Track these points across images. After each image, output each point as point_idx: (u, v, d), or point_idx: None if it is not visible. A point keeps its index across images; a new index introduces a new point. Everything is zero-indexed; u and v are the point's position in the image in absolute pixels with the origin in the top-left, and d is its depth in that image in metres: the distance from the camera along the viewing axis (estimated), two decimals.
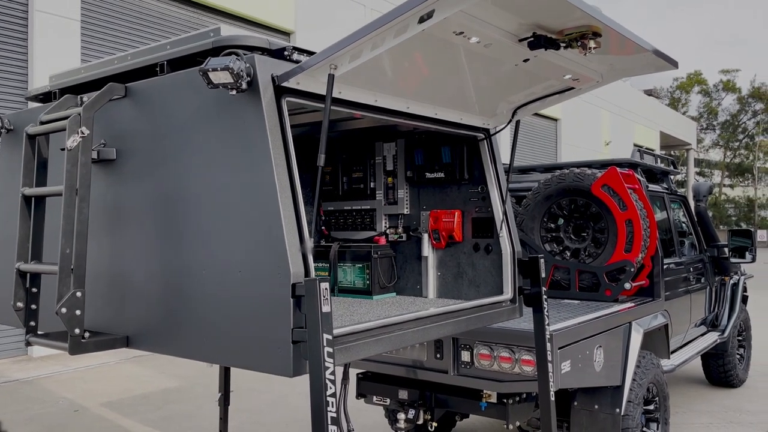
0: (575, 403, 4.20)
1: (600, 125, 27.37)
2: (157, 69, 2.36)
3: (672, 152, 42.94)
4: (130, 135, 2.44)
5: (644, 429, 4.58)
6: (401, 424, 4.13)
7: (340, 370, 4.08)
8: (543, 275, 3.07)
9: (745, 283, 7.22)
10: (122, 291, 2.46)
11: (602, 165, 5.38)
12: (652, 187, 5.76)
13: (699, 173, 46.76)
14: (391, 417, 5.01)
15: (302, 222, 2.01)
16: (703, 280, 6.37)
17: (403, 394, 4.33)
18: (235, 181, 2.09)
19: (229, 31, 2.26)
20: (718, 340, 6.50)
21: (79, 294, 2.23)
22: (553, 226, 5.12)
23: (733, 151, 47.13)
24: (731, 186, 47.20)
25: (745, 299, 7.35)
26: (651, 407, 4.65)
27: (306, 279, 1.93)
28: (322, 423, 1.85)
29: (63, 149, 2.28)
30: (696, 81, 47.52)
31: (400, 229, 3.46)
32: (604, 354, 3.97)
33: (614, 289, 4.69)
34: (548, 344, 3.06)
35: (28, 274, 2.46)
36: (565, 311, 4.30)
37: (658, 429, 4.68)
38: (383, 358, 4.23)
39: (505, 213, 3.08)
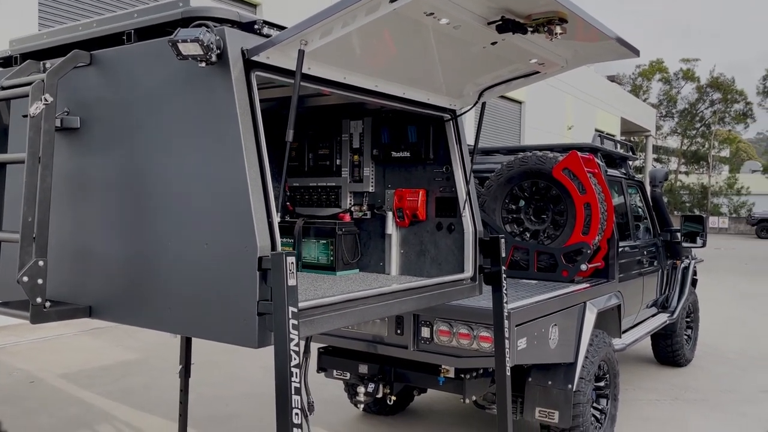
0: (530, 379, 4.34)
1: (563, 109, 27.75)
2: (124, 38, 2.33)
3: (632, 138, 43.82)
4: (95, 104, 2.41)
5: (595, 404, 4.77)
6: (361, 398, 4.21)
7: (302, 344, 4.13)
8: (503, 255, 3.16)
9: (695, 267, 7.50)
10: (86, 261, 2.45)
11: (564, 149, 5.49)
12: (611, 171, 5.91)
13: (657, 160, 47.92)
14: (351, 391, 5.10)
15: (269, 196, 2.03)
16: (655, 263, 6.60)
17: (363, 369, 4.41)
18: (203, 153, 2.09)
19: (198, 1, 2.24)
20: (668, 321, 6.76)
21: (41, 263, 2.21)
22: (514, 207, 5.23)
23: (690, 139, 48.33)
24: (687, 173, 48.50)
25: (694, 282, 7.64)
26: (602, 384, 4.84)
27: (273, 253, 1.96)
28: (286, 393, 1.90)
29: (25, 116, 2.24)
30: (658, 69, 48.41)
31: (364, 207, 3.50)
32: (559, 332, 4.11)
33: (571, 270, 4.83)
34: (506, 322, 3.16)
35: None
36: (523, 290, 4.42)
37: (607, 404, 4.87)
38: (344, 333, 4.29)
39: (468, 193, 3.14)
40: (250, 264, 1.97)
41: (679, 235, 6.81)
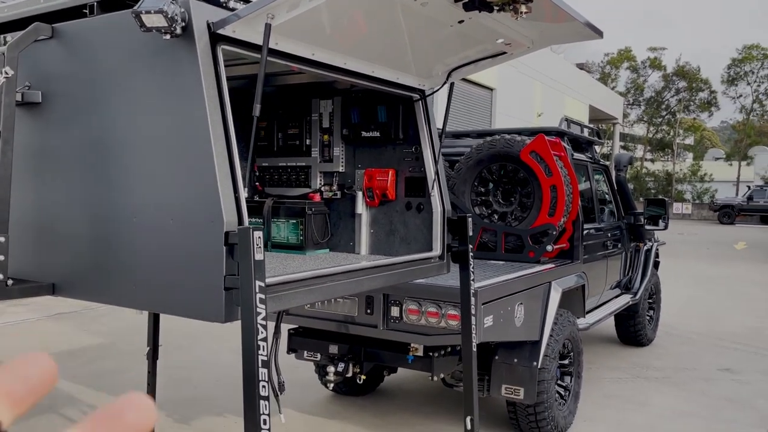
0: (496, 357, 4.42)
1: (533, 96, 27.99)
2: (86, 10, 2.29)
3: (600, 126, 44.45)
4: (58, 78, 2.37)
5: (559, 381, 4.89)
6: (330, 377, 4.25)
7: (272, 324, 4.13)
8: (470, 234, 3.20)
9: (657, 249, 7.69)
10: (49, 238, 2.42)
11: (532, 132, 5.56)
12: (577, 155, 6.01)
13: (624, 147, 48.66)
14: (321, 371, 5.13)
15: (236, 171, 2.03)
16: (619, 245, 6.75)
17: (333, 349, 4.44)
18: (169, 128, 2.08)
19: None
20: (631, 302, 6.93)
21: (2, 239, 2.18)
22: (483, 190, 5.29)
23: (656, 126, 49.20)
24: (652, 160, 49.42)
25: (657, 264, 7.83)
26: (566, 362, 4.96)
27: (239, 227, 1.96)
28: (252, 366, 1.91)
29: None
30: (626, 57, 49.07)
31: (334, 187, 3.51)
32: (525, 311, 4.19)
33: (537, 251, 4.92)
34: (473, 299, 3.21)
35: None
36: (491, 270, 4.49)
37: (571, 381, 5.00)
38: (314, 314, 4.31)
39: (437, 173, 3.17)
40: (217, 239, 1.96)
41: (642, 218, 6.96)
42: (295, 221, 3.34)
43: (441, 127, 3.36)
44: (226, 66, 2.82)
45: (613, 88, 46.97)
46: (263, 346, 1.92)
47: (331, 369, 4.27)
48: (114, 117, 2.22)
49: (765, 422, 5.17)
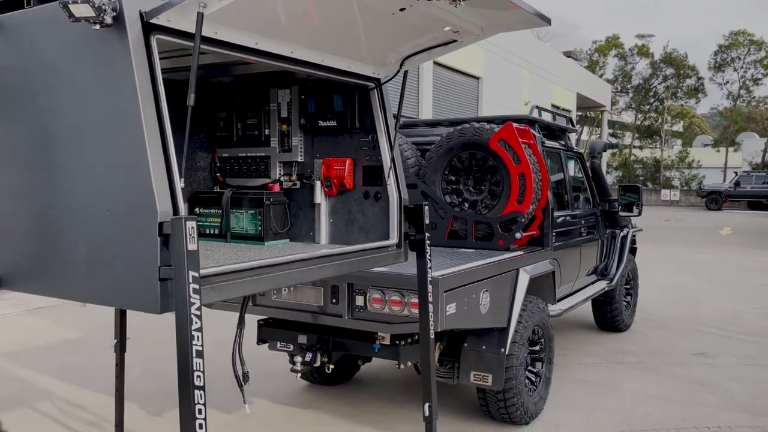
0: (465, 345, 4.45)
1: (520, 85, 27.97)
2: (25, 1, 2.26)
3: (588, 113, 44.52)
4: (1, 70, 2.34)
5: (530, 368, 4.92)
6: (298, 366, 4.26)
7: (235, 315, 4.13)
8: (427, 222, 3.21)
9: (634, 236, 7.73)
10: None
11: (502, 120, 5.57)
12: (549, 143, 6.02)
13: (612, 134, 48.78)
14: (291, 361, 5.14)
15: (171, 163, 2.02)
16: (594, 232, 6.78)
17: (302, 339, 4.45)
18: (104, 118, 2.07)
19: None
20: (606, 288, 6.97)
21: None
22: (453, 178, 5.30)
23: (644, 113, 49.32)
24: (641, 147, 49.59)
25: (633, 251, 7.88)
26: (536, 348, 4.99)
27: (173, 218, 1.95)
28: (187, 355, 1.91)
29: None
30: (613, 45, 49.09)
31: (294, 177, 3.51)
32: (491, 298, 4.21)
33: (506, 239, 4.94)
34: (429, 287, 3.22)
35: None
36: (459, 258, 4.50)
37: (542, 367, 5.03)
38: (283, 304, 4.32)
39: (393, 161, 3.17)
40: (151, 229, 1.96)
41: (616, 204, 6.99)
42: (253, 212, 3.33)
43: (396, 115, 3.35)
44: (183, 56, 2.79)
45: (601, 76, 47.03)
46: (197, 336, 1.92)
47: (298, 359, 4.28)
48: (52, 109, 2.20)
49: (736, 405, 5.24)
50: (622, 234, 7.42)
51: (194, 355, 1.91)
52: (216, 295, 2.16)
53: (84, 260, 2.13)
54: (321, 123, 3.34)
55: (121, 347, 4.27)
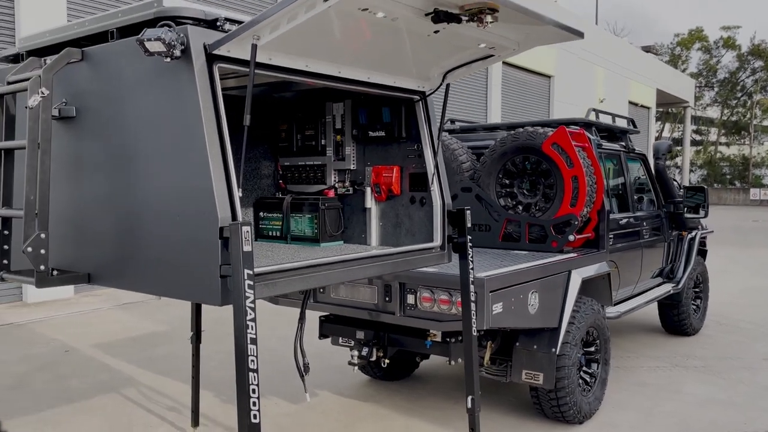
0: (517, 344, 4.59)
1: (594, 82, 27.35)
2: (109, 35, 2.63)
3: (670, 110, 42.87)
4: (87, 95, 2.73)
5: (585, 368, 5.00)
6: (354, 360, 4.53)
7: (296, 310, 4.45)
8: (469, 225, 3.40)
9: (703, 238, 7.57)
10: (84, 234, 2.80)
11: (558, 124, 5.66)
12: (609, 145, 6.05)
13: (696, 131, 46.75)
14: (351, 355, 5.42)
15: (230, 174, 2.32)
16: (659, 234, 6.72)
17: (360, 335, 4.73)
18: (173, 137, 2.39)
19: (172, 2, 2.52)
20: (672, 291, 6.89)
21: (42, 235, 2.56)
22: (507, 182, 5.44)
23: (731, 109, 46.96)
24: (727, 144, 47.24)
25: (703, 253, 7.72)
26: (592, 349, 5.06)
27: (231, 223, 2.25)
28: (243, 342, 2.21)
29: (27, 107, 2.57)
30: (697, 37, 47.04)
31: (347, 183, 3.78)
32: (540, 298, 4.34)
33: (560, 241, 5.03)
34: (471, 287, 3.41)
35: (0, 218, 2.79)
36: (509, 260, 4.65)
37: (598, 368, 5.09)
38: (342, 302, 4.60)
39: (436, 167, 3.39)
40: (213, 233, 2.27)
41: (682, 206, 6.90)
42: (310, 216, 3.63)
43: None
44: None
45: (683, 71, 45.17)
46: (252, 326, 2.21)
47: (354, 353, 4.55)
48: (131, 129, 2.56)
49: None
50: (689, 236, 7.29)
51: (249, 342, 2.20)
52: (269, 290, 2.45)
53: (157, 259, 2.47)
54: (371, 133, 3.60)
55: (196, 339, 4.68)
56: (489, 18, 2.37)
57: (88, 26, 2.74)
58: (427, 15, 2.43)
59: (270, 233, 3.83)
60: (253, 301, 2.23)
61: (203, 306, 4.80)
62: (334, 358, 6.29)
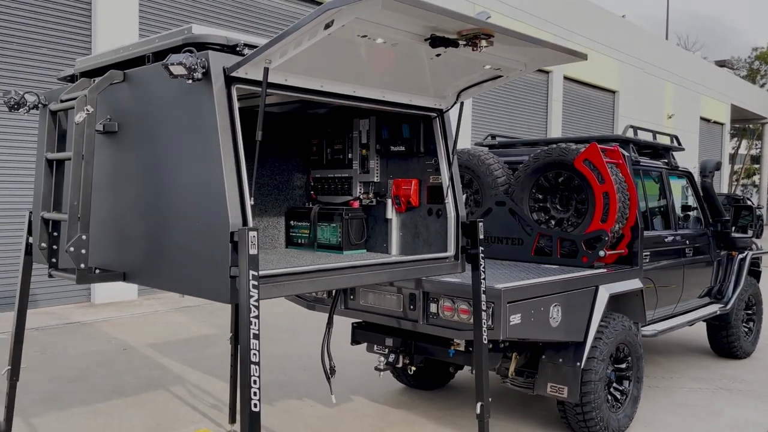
0: (543, 357, 4.66)
1: (662, 97, 26.61)
2: (146, 59, 2.94)
3: (747, 126, 41.06)
4: (127, 112, 3.05)
5: (615, 385, 4.99)
6: (380, 366, 4.71)
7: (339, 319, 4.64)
8: (481, 237, 3.53)
9: (755, 258, 7.33)
10: (122, 237, 3.11)
11: (596, 141, 5.69)
12: (648, 162, 6.01)
13: None
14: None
15: (243, 183, 2.56)
16: (704, 253, 6.59)
17: (389, 341, 4.90)
18: (195, 150, 2.66)
19: (201, 29, 2.80)
20: (719, 312, 6.72)
21: (84, 237, 2.87)
22: (540, 196, 5.50)
23: None
24: None
25: (756, 274, 7.47)
26: (623, 366, 5.04)
27: (239, 228, 2.49)
28: (247, 335, 2.43)
29: (74, 123, 2.91)
30: None
31: (371, 195, 3.98)
32: (563, 312, 4.39)
33: (590, 256, 5.06)
34: (483, 296, 3.54)
35: (50, 221, 3.14)
36: (535, 273, 4.72)
37: (629, 386, 5.07)
38: (372, 309, 4.78)
39: (451, 180, 3.54)
40: (225, 238, 2.51)
41: (729, 225, 6.73)
42: (335, 225, 3.85)
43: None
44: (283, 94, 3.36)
45: (762, 86, 43.18)
46: (255, 322, 2.43)
47: (381, 359, 4.73)
48: (161, 143, 2.85)
49: None
50: (740, 256, 7.09)
51: (252, 336, 2.42)
52: (278, 291, 2.68)
53: (179, 261, 2.74)
54: (392, 148, 3.79)
55: (236, 340, 4.97)
56: (484, 42, 2.53)
57: (130, 51, 3.07)
58: (425, 40, 2.60)
59: (299, 241, 4.07)
60: (257, 300, 2.45)
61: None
62: (372, 364, 6.47)
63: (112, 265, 3.13)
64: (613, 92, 23.40)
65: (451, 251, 3.54)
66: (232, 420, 5.00)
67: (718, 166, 6.83)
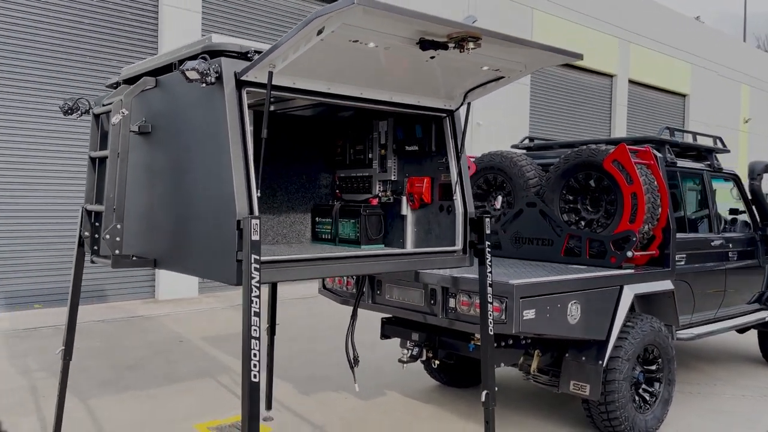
0: (567, 355, 4.71)
1: (738, 101, 25.51)
2: (173, 66, 3.26)
3: None
4: (159, 115, 3.38)
5: (645, 386, 4.97)
6: (404, 359, 4.88)
7: (348, 308, 4.86)
8: (488, 232, 3.66)
9: None
10: (153, 227, 3.44)
11: (635, 141, 5.69)
12: (687, 164, 5.94)
13: None
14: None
15: (251, 177, 2.82)
16: (751, 257, 6.42)
17: (414, 336, 5.07)
18: (209, 148, 2.95)
19: (220, 38, 3.09)
20: (767, 319, 6.52)
21: (118, 226, 3.22)
22: (571, 198, 5.54)
23: None
24: None
25: None
26: (653, 367, 5.01)
27: (243, 217, 2.75)
28: (249, 314, 2.67)
29: (111, 124, 3.26)
30: None
31: (389, 192, 4.19)
32: (582, 310, 4.43)
33: (618, 257, 5.06)
34: (489, 290, 3.67)
35: (93, 213, 3.52)
36: (557, 272, 4.77)
37: (660, 388, 5.03)
38: (399, 304, 4.95)
39: (460, 176, 3.70)
40: (232, 225, 2.77)
41: None
42: (354, 221, 4.07)
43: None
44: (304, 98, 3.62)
45: None
46: (255, 301, 2.67)
47: (405, 351, 4.90)
48: (183, 141, 3.15)
49: None
50: None
51: (253, 314, 2.67)
52: (280, 275, 2.93)
53: (197, 247, 3.03)
54: (407, 147, 3.99)
55: (271, 331, 5.27)
56: (471, 45, 2.69)
57: (163, 59, 3.40)
58: (416, 44, 2.78)
59: (323, 236, 4.32)
60: (259, 281, 2.70)
61: (278, 305, 5.41)
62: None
63: (146, 253, 3.47)
64: (684, 96, 22.65)
65: (458, 245, 3.69)
66: (268, 406, 5.28)
67: (766, 169, 6.63)
